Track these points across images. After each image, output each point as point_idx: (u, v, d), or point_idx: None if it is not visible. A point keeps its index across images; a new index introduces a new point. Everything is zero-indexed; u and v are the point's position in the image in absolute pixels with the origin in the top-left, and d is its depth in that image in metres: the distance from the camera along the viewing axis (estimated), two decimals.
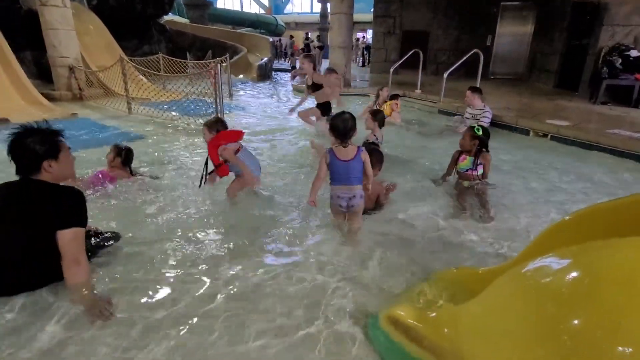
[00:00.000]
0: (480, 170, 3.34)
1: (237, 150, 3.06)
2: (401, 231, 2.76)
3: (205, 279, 2.15)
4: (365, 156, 2.45)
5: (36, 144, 1.79)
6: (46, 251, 1.74)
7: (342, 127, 2.38)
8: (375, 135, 4.09)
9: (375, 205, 3.06)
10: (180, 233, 2.67)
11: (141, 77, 8.66)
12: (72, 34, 7.92)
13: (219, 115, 5.72)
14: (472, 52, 6.85)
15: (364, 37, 22.48)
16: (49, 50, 7.81)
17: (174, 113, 6.47)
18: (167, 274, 2.18)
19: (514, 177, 3.90)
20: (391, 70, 8.54)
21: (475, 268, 1.83)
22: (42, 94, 7.47)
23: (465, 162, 3.39)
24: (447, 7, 12.76)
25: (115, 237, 2.39)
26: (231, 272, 2.21)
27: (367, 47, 19.37)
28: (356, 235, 2.60)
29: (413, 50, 8.46)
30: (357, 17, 13.20)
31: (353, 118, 2.45)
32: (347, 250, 2.47)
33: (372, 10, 14.39)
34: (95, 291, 1.86)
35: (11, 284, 1.81)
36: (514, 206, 3.18)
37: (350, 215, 2.57)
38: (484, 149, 3.34)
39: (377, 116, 4.20)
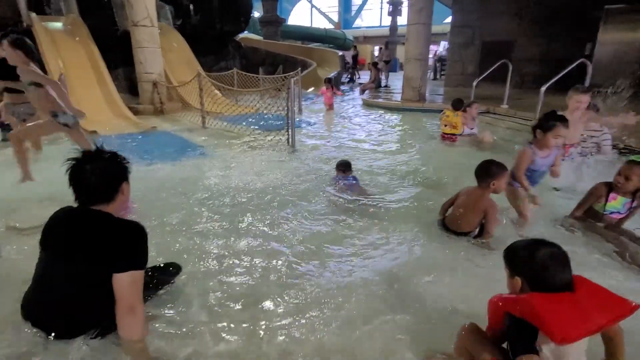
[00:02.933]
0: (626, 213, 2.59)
1: None
2: None
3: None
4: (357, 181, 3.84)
5: (113, 165, 1.65)
6: (104, 293, 1.51)
7: (344, 169, 3.88)
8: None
9: (480, 225, 2.61)
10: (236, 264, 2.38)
11: (216, 91, 8.93)
12: (157, 52, 8.41)
13: (289, 130, 5.47)
14: (578, 61, 5.91)
15: (438, 50, 21.44)
16: (137, 66, 8.36)
17: (255, 128, 6.38)
18: (233, 322, 1.87)
19: None
20: (474, 84, 7.79)
21: None
22: (129, 107, 7.98)
23: (616, 202, 2.61)
24: (535, 13, 11.59)
25: (174, 271, 2.13)
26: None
27: (440, 59, 18.45)
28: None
29: (501, 61, 7.63)
30: None
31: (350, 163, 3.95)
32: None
33: (444, 21, 13.65)
34: (150, 352, 1.58)
35: (70, 323, 1.60)
36: None
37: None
38: None
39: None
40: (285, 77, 7.82)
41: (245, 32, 18.47)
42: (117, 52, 9.60)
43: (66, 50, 8.38)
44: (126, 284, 1.50)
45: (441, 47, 21.14)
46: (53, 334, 1.62)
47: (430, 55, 14.15)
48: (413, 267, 2.36)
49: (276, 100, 6.04)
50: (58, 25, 9.13)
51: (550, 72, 6.62)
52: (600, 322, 1.18)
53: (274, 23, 20.66)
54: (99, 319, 1.60)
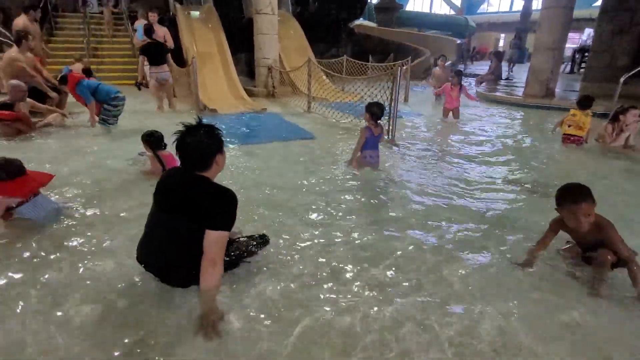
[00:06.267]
0: None
1: (21, 203, 2.51)
2: None
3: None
4: (382, 130, 3.85)
5: (208, 139, 1.82)
6: (195, 246, 1.73)
7: (379, 113, 3.60)
8: None
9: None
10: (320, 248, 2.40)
11: (324, 77, 9.15)
12: (274, 38, 8.95)
13: (390, 120, 5.29)
14: None
15: (581, 38, 18.22)
16: (256, 52, 9.03)
17: (357, 116, 6.39)
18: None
19: None
20: (621, 79, 6.45)
21: None
22: (245, 89, 8.72)
23: None
24: None
25: (263, 242, 2.29)
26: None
27: (583, 49, 15.75)
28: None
29: None
30: None
31: (384, 107, 3.74)
32: None
33: (593, 5, 11.51)
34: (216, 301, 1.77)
35: (166, 269, 1.88)
36: None
37: (373, 165, 3.83)
38: None
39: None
40: (393, 65, 7.56)
41: (360, 18, 18.41)
42: (241, 38, 10.52)
43: (200, 36, 9.50)
44: (214, 240, 1.71)
45: (585, 35, 17.94)
46: (157, 278, 1.95)
47: (573, 45, 12.13)
48: None
49: (381, 89, 5.88)
50: (196, 13, 10.38)
51: None
52: None
53: (390, 9, 20.22)
54: (189, 267, 1.81)
